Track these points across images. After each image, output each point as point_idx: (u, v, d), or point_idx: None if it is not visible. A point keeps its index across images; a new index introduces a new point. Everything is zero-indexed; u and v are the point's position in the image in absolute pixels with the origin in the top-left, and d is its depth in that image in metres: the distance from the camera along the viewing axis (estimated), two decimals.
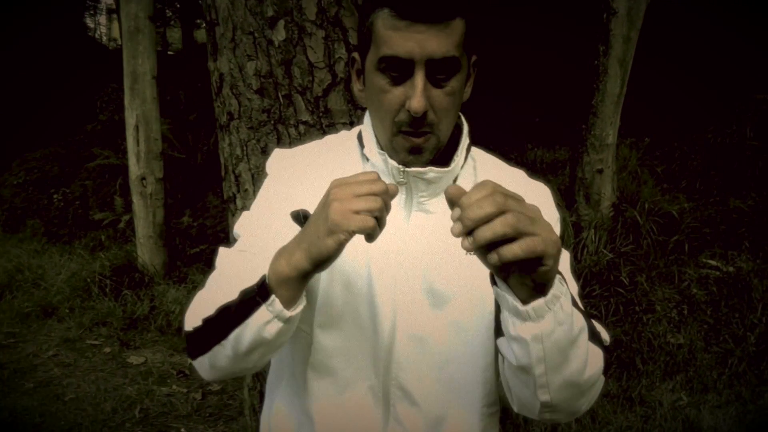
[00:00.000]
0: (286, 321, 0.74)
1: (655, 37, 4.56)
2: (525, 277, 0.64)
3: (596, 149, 4.51)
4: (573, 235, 4.23)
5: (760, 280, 3.57)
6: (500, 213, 0.59)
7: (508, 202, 0.60)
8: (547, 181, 4.08)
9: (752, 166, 5.07)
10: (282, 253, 0.73)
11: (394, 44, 0.76)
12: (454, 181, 0.89)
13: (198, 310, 0.81)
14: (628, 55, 4.46)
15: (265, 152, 1.47)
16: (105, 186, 9.39)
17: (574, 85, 4.92)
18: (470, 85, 0.89)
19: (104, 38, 17.99)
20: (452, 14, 0.76)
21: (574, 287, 0.83)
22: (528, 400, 0.76)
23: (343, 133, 1.00)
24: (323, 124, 1.46)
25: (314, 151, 0.95)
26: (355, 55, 0.88)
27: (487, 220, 0.59)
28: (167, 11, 13.35)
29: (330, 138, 1.00)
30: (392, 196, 0.70)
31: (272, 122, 1.46)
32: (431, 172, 0.82)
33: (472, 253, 0.63)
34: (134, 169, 5.59)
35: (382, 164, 0.86)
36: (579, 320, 0.70)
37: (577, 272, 3.81)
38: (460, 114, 0.90)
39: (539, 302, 0.65)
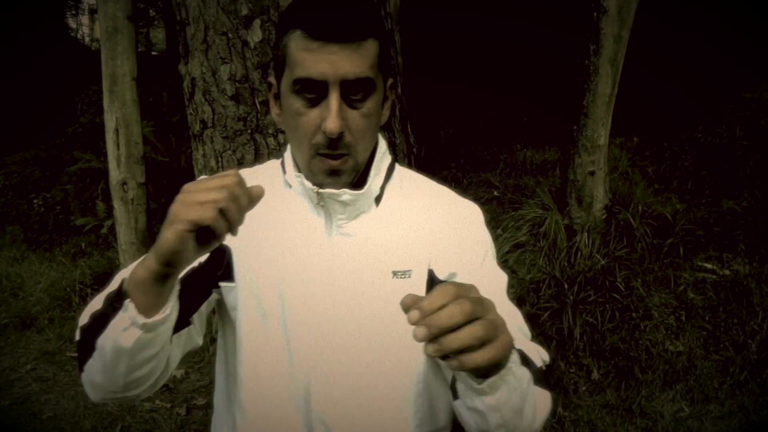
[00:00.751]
0: (144, 328, 0.70)
1: (640, 34, 4.48)
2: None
3: (588, 151, 4.42)
4: (566, 238, 4.13)
5: (758, 285, 3.49)
6: (467, 322, 0.58)
7: (475, 309, 0.58)
8: (537, 181, 3.98)
9: (743, 166, 5.01)
10: (143, 257, 0.71)
11: (307, 66, 0.75)
12: (377, 201, 0.87)
13: (82, 320, 0.79)
14: (619, 55, 4.37)
15: (242, 164, 1.35)
16: (87, 190, 9.19)
17: (564, 84, 4.84)
18: (388, 107, 0.89)
19: (86, 39, 17.70)
20: (364, 35, 0.77)
21: (516, 315, 0.86)
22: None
23: (270, 162, 0.99)
24: None
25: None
26: (272, 79, 0.87)
27: (455, 329, 0.58)
28: (150, 11, 13.13)
29: (257, 167, 0.99)
30: (253, 194, 0.67)
31: (249, 131, 1.34)
32: (345, 194, 0.82)
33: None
34: (115, 174, 5.42)
35: (300, 189, 0.86)
36: (525, 375, 0.72)
37: (571, 278, 3.72)
38: (379, 134, 0.90)
39: (494, 378, 0.66)
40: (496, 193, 5.62)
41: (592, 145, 4.41)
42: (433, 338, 0.58)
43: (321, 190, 0.82)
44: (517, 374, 0.68)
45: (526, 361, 0.76)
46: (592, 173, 4.42)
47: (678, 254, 3.97)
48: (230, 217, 0.65)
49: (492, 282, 0.87)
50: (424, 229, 0.87)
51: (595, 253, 3.91)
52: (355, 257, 0.84)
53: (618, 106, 4.43)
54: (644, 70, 6.03)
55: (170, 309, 0.72)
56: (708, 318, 3.42)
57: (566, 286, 3.65)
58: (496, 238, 4.61)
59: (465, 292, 0.60)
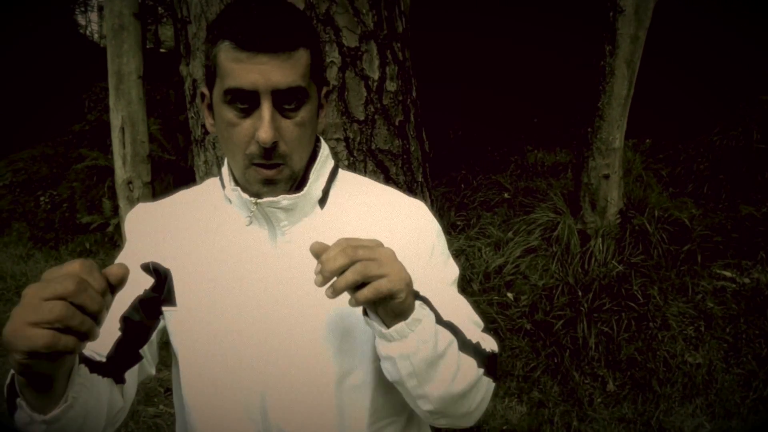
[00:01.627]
0: (48, 423, 0.66)
1: (655, 35, 4.36)
2: (386, 308, 0.72)
3: (602, 154, 4.31)
4: (579, 244, 4.03)
5: None
6: (351, 263, 0.68)
7: (358, 252, 0.69)
8: (549, 184, 3.87)
9: (762, 170, 4.88)
10: None
11: (237, 76, 0.75)
12: (322, 204, 0.89)
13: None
14: (635, 56, 4.26)
15: None
16: (93, 188, 9.15)
17: (577, 85, 4.73)
18: (324, 116, 0.89)
19: (95, 36, 17.70)
20: (294, 45, 0.76)
21: (465, 306, 0.89)
22: (417, 410, 0.83)
23: (210, 180, 0.98)
24: None
25: (178, 202, 0.95)
26: (204, 90, 0.86)
27: (341, 271, 0.68)
28: (159, 8, 13.09)
29: (195, 187, 0.99)
30: (112, 278, 0.61)
31: None
32: (284, 200, 0.82)
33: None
34: (120, 173, 5.36)
35: (238, 202, 0.85)
36: (445, 337, 0.78)
37: (585, 285, 3.61)
38: (321, 139, 0.91)
39: (400, 325, 0.73)
40: (506, 195, 5.51)
41: (607, 148, 4.30)
42: (328, 282, 0.69)
43: (259, 201, 0.82)
44: (427, 329, 0.75)
45: (453, 329, 0.81)
46: (607, 177, 4.31)
47: (695, 261, 3.86)
48: (76, 329, 0.57)
49: (440, 275, 0.89)
50: (370, 228, 0.86)
51: (610, 260, 3.80)
52: (302, 262, 0.83)
53: (630, 106, 4.32)
54: (657, 71, 5.91)
55: (71, 398, 0.67)
56: (728, 329, 3.31)
57: (580, 294, 3.55)
58: (506, 242, 4.51)
59: (356, 242, 0.70)
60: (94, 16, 18.15)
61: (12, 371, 0.67)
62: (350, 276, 0.68)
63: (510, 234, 4.59)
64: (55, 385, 0.64)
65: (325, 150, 0.90)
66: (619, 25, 4.20)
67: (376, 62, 1.25)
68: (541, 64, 7.05)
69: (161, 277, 0.89)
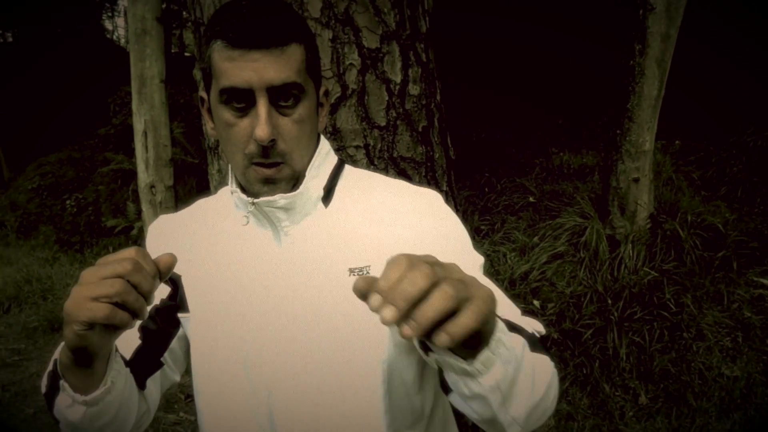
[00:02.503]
0: (86, 404, 0.72)
1: (684, 33, 4.21)
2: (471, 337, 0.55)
3: (632, 156, 4.17)
4: (608, 250, 3.90)
5: None
6: (434, 285, 0.51)
7: (436, 270, 0.52)
8: (575, 187, 3.75)
9: None
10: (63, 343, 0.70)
11: (231, 75, 0.74)
12: (326, 201, 0.86)
13: (42, 384, 0.80)
14: (666, 55, 4.12)
15: None
16: (118, 191, 9.24)
17: (604, 86, 4.60)
18: (325, 115, 0.88)
19: (122, 41, 17.94)
20: (286, 40, 0.75)
21: (498, 292, 0.76)
22: None
23: (227, 187, 0.96)
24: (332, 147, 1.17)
25: (195, 211, 0.96)
26: (203, 93, 0.86)
27: (423, 297, 0.51)
28: (183, 12, 13.20)
29: (214, 196, 0.98)
30: (161, 267, 0.66)
31: None
32: (281, 198, 0.80)
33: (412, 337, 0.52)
34: (143, 177, 5.37)
35: (239, 202, 0.85)
36: (518, 343, 0.65)
37: (615, 292, 3.49)
38: (321, 136, 0.88)
39: (485, 354, 0.59)
40: (531, 199, 5.39)
41: (637, 151, 4.17)
42: (404, 317, 0.51)
43: (256, 200, 0.80)
44: (507, 344, 0.62)
45: (514, 327, 0.70)
46: (636, 180, 4.18)
47: (731, 268, 3.70)
48: (130, 307, 0.63)
49: (468, 262, 0.82)
50: (382, 222, 0.84)
51: (641, 266, 3.67)
52: (309, 260, 0.83)
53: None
54: (685, 69, 5.73)
55: (110, 382, 0.73)
56: None
57: (610, 302, 3.43)
58: (532, 247, 4.40)
59: (417, 258, 0.54)
60: (121, 21, 18.42)
61: (55, 358, 0.74)
62: (440, 303, 0.51)
63: (536, 239, 4.48)
64: (95, 365, 0.70)
65: (324, 146, 0.88)
66: (649, 24, 4.07)
67: (399, 64, 1.18)
68: (568, 66, 6.92)
69: (175, 284, 0.90)
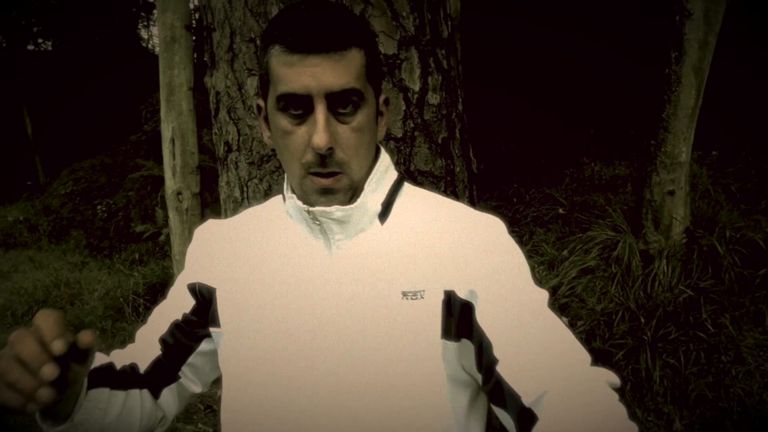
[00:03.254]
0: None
1: (721, 38, 4.03)
2: None
3: (667, 168, 4.02)
4: (641, 265, 3.74)
5: None
6: None
7: None
8: (607, 198, 3.61)
9: None
10: None
11: (289, 81, 0.72)
12: (383, 218, 0.83)
13: None
14: (704, 63, 3.96)
15: (269, 195, 1.13)
16: (147, 197, 9.35)
17: (639, 94, 4.45)
18: (384, 124, 0.86)
19: (156, 49, 18.27)
20: (346, 44, 0.73)
21: (569, 338, 0.74)
22: None
23: (278, 196, 0.94)
24: None
25: (243, 219, 0.93)
26: (260, 101, 0.84)
27: None
28: None
29: (262, 205, 0.95)
30: (81, 343, 0.65)
31: (278, 157, 1.11)
32: (337, 210, 0.78)
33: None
34: (170, 184, 5.39)
35: (294, 210, 0.83)
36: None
37: (648, 311, 3.34)
38: (382, 148, 0.86)
39: None
40: (561, 210, 5.26)
41: (672, 162, 4.01)
42: None
43: (312, 209, 0.78)
44: None
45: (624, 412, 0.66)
46: (672, 193, 4.02)
47: None
48: (22, 390, 0.61)
49: (530, 299, 0.77)
50: (439, 247, 0.80)
51: (676, 284, 3.51)
52: (360, 278, 0.79)
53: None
54: (724, 77, 5.52)
55: (76, 419, 0.75)
56: None
57: (643, 321, 3.28)
58: (561, 261, 4.27)
59: None
60: (155, 30, 18.76)
61: None
62: None
63: (565, 252, 4.35)
64: (57, 408, 0.72)
65: (385, 160, 0.85)
66: (686, 30, 3.92)
67: (417, 71, 1.10)
68: (600, 73, 6.76)
69: (205, 298, 0.88)
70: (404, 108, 1.09)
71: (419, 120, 1.10)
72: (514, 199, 5.76)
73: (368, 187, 0.81)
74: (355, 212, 0.79)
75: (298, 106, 0.74)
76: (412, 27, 1.10)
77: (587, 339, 3.33)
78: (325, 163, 0.75)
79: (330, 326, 0.79)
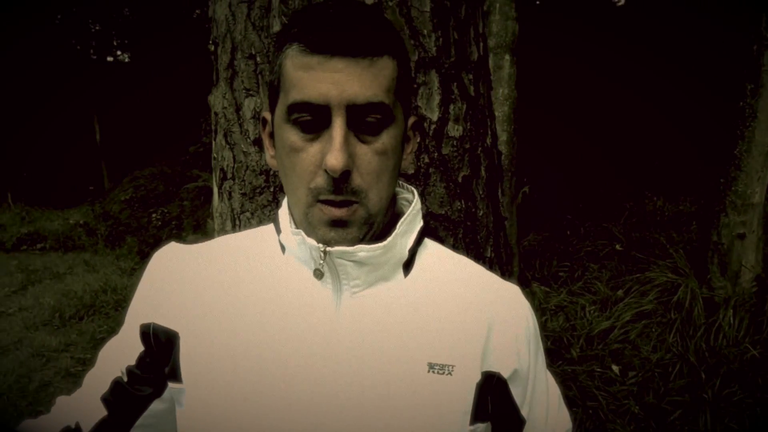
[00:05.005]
0: None
1: None
2: None
3: (738, 209, 3.69)
4: (704, 314, 3.42)
5: None
6: None
7: None
8: (669, 237, 3.31)
9: None
10: None
11: (304, 86, 0.60)
12: (408, 265, 0.71)
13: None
14: None
15: None
16: (200, 208, 9.52)
17: (710, 127, 4.14)
18: (412, 152, 0.74)
19: None
20: (379, 49, 0.61)
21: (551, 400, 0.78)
22: None
23: (266, 226, 0.78)
24: None
25: (217, 248, 0.75)
26: (266, 114, 0.71)
27: None
28: None
29: (246, 232, 0.79)
30: None
31: (272, 189, 0.98)
32: (362, 251, 0.65)
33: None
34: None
35: (298, 249, 0.68)
36: None
37: (711, 366, 3.03)
38: (404, 184, 0.75)
39: None
40: (618, 246, 4.95)
41: (743, 203, 3.69)
42: None
43: (330, 249, 0.64)
44: None
45: None
46: (742, 236, 3.69)
47: None
48: None
49: (551, 387, 0.77)
50: (469, 316, 0.69)
51: (743, 338, 3.18)
52: (376, 340, 0.66)
53: None
54: None
55: None
56: None
57: (704, 377, 2.97)
58: (615, 302, 3.99)
59: None
60: None
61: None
62: None
63: (620, 293, 4.07)
64: None
65: (418, 201, 0.73)
66: (764, 61, 3.61)
67: (437, 98, 0.95)
68: (668, 103, 6.42)
69: (161, 345, 0.71)
70: (418, 140, 0.93)
71: (436, 154, 0.94)
72: (568, 232, 5.49)
73: (400, 227, 0.68)
74: (385, 255, 0.67)
75: (313, 118, 0.62)
76: (433, 47, 0.95)
77: (639, 392, 3.05)
78: (339, 189, 0.62)
79: (334, 397, 0.66)
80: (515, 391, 0.71)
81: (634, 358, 3.34)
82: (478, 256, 0.97)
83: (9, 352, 4.64)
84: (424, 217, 0.95)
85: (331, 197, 0.62)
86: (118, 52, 13.91)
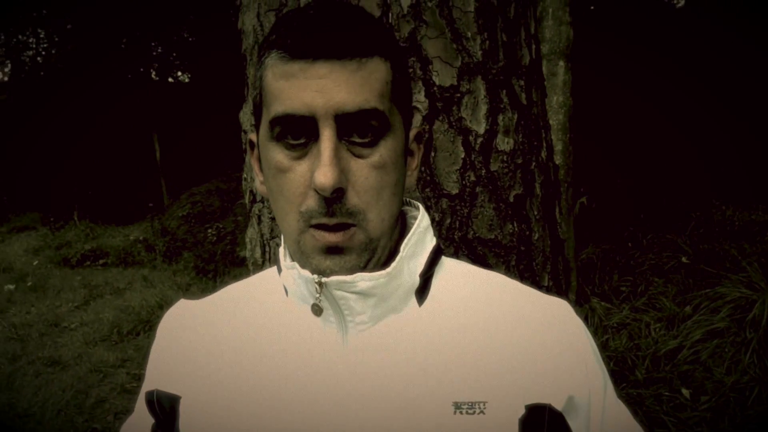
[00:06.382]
0: None
1: None
2: None
3: None
4: None
5: None
6: None
7: None
8: (740, 249, 3.06)
9: None
10: None
11: (286, 97, 0.53)
12: (420, 296, 0.62)
13: None
14: None
15: None
16: None
17: None
18: (416, 167, 0.65)
19: None
20: (367, 49, 0.55)
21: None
22: None
23: (273, 268, 0.71)
24: None
25: (225, 299, 0.71)
26: (252, 136, 0.64)
27: None
28: None
29: (252, 277, 0.73)
30: None
31: None
32: (362, 280, 0.57)
33: None
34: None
35: (295, 285, 0.60)
36: None
37: None
38: (411, 201, 0.67)
39: None
40: (684, 259, 4.68)
41: None
42: None
43: (325, 279, 0.57)
44: None
45: None
46: None
47: None
48: None
49: (622, 415, 0.65)
50: (502, 341, 0.60)
51: None
52: (391, 380, 0.59)
53: None
54: None
55: None
56: None
57: None
58: (683, 319, 3.74)
59: None
60: None
61: None
62: None
63: (688, 309, 3.82)
64: None
65: (424, 218, 0.65)
66: None
67: (483, 108, 0.84)
68: (736, 103, 6.07)
69: (165, 412, 0.66)
70: (463, 156, 0.83)
71: (483, 171, 0.83)
72: (629, 243, 5.23)
73: (404, 250, 0.60)
74: (390, 284, 0.59)
75: (298, 132, 0.55)
76: (479, 51, 0.85)
77: (713, 418, 2.82)
78: (332, 210, 0.55)
79: None
80: (575, 424, 0.61)
81: (706, 381, 3.11)
82: (534, 286, 0.86)
83: (69, 368, 4.76)
84: (469, 240, 0.85)
85: (324, 220, 0.55)
86: (179, 73, 14.42)
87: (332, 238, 0.56)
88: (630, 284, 4.50)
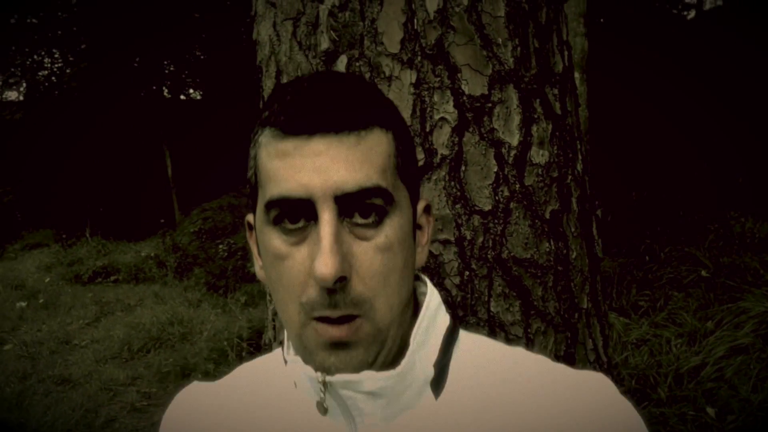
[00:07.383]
0: None
1: None
2: None
3: None
4: None
5: None
6: None
7: None
8: (763, 262, 2.97)
9: None
10: None
11: (281, 178, 0.51)
12: (436, 388, 0.56)
13: None
14: None
15: None
16: None
17: None
18: (426, 243, 0.60)
19: None
20: (366, 121, 0.51)
21: None
22: None
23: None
24: None
25: (236, 384, 0.65)
26: (249, 218, 0.60)
27: None
28: None
29: (261, 358, 0.68)
30: None
31: None
32: (370, 380, 0.52)
33: None
34: None
35: (303, 379, 0.55)
36: None
37: None
38: (426, 279, 0.61)
39: None
40: (704, 273, 4.57)
41: None
42: None
43: (330, 379, 0.52)
44: None
45: None
46: None
47: None
48: None
49: None
50: (540, 426, 0.53)
51: None
52: None
53: None
54: None
55: None
56: None
57: None
58: (705, 335, 3.65)
59: None
60: None
61: None
62: None
63: (710, 324, 3.73)
64: None
65: (434, 297, 0.59)
66: None
67: (516, 119, 0.79)
68: (751, 113, 5.99)
69: None
70: (495, 169, 0.77)
71: (517, 186, 0.78)
72: (647, 257, 5.14)
73: (415, 339, 0.56)
74: (399, 382, 0.54)
75: (296, 216, 0.51)
76: (510, 58, 0.79)
77: None
78: (335, 301, 0.50)
79: None
80: None
81: (731, 400, 3.01)
82: (572, 308, 0.80)
83: (79, 386, 4.71)
84: (503, 260, 0.79)
85: (327, 313, 0.51)
86: (191, 90, 14.56)
87: (336, 332, 0.51)
88: (648, 299, 4.40)
